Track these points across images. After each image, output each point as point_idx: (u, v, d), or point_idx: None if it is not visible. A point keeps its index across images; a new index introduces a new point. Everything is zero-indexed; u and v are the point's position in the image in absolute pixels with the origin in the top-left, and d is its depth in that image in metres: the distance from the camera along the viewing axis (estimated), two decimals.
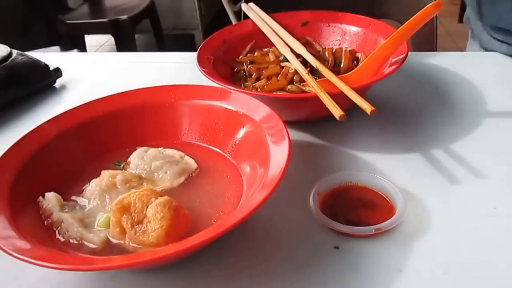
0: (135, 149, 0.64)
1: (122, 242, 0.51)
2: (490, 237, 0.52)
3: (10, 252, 0.44)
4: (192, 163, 0.62)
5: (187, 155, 0.64)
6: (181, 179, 0.60)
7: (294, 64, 0.73)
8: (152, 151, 0.63)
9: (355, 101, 0.60)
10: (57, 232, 0.53)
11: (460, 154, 0.64)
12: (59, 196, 0.56)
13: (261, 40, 0.84)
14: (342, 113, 0.58)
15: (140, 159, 0.62)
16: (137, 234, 0.50)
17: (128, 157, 0.63)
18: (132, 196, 0.52)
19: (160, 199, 0.51)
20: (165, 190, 0.58)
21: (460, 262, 0.49)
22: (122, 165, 0.63)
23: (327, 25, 0.86)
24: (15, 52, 0.89)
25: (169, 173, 0.60)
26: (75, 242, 0.52)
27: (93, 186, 0.58)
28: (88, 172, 0.61)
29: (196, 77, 0.72)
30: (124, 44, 2.62)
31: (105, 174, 0.58)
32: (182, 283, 0.50)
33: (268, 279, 0.49)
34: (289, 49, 0.77)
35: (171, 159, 0.62)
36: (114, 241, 0.51)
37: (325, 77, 0.68)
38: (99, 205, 0.56)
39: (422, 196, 0.57)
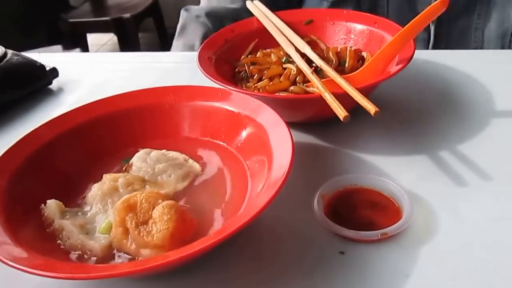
0: (137, 151, 0.63)
1: (124, 241, 0.50)
2: (499, 240, 0.51)
3: (4, 260, 0.43)
4: (196, 167, 0.61)
5: (191, 158, 0.62)
6: (185, 183, 0.59)
7: (299, 63, 0.71)
8: (155, 153, 0.62)
9: (358, 101, 0.59)
10: (59, 240, 0.52)
11: (468, 156, 0.62)
12: (60, 203, 0.55)
13: (264, 40, 0.83)
14: (346, 114, 0.57)
15: (143, 161, 0.61)
16: (141, 234, 0.49)
17: (130, 159, 0.62)
18: (139, 196, 0.51)
19: (167, 201, 0.51)
20: (168, 193, 0.57)
21: (468, 267, 0.48)
22: (129, 162, 0.62)
23: (332, 23, 0.84)
24: (10, 52, 0.88)
25: (173, 177, 0.59)
26: (77, 249, 0.51)
27: (94, 191, 0.57)
28: (89, 176, 0.60)
29: (198, 77, 0.71)
30: (127, 43, 2.62)
31: (107, 177, 0.57)
32: None
33: (272, 285, 0.49)
34: (293, 48, 0.76)
35: (175, 162, 0.61)
36: (115, 246, 0.50)
37: (329, 77, 0.67)
38: (101, 210, 0.55)
39: (429, 199, 0.56)
